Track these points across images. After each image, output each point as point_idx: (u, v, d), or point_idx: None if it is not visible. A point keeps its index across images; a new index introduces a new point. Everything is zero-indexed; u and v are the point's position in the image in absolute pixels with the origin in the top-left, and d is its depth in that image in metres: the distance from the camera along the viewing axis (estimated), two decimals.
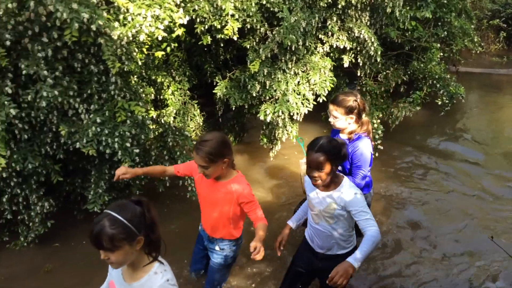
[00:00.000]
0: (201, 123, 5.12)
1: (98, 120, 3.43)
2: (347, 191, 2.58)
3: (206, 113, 5.32)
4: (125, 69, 3.50)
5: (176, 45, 4.32)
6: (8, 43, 3.05)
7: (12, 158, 3.37)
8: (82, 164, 3.95)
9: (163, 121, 4.23)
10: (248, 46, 4.53)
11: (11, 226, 3.95)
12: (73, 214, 4.18)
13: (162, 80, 4.56)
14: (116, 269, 1.99)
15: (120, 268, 1.98)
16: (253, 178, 4.94)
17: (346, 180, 2.63)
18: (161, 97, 4.69)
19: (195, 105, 5.00)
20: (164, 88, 4.66)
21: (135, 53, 3.53)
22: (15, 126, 3.34)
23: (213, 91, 4.86)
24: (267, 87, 4.47)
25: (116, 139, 3.44)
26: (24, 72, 3.13)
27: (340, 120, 3.11)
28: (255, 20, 4.29)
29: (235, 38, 4.28)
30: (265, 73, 4.38)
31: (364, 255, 2.37)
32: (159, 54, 3.97)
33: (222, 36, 4.25)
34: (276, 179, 5.03)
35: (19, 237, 3.83)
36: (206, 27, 4.17)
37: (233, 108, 4.80)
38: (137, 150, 3.54)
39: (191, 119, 4.89)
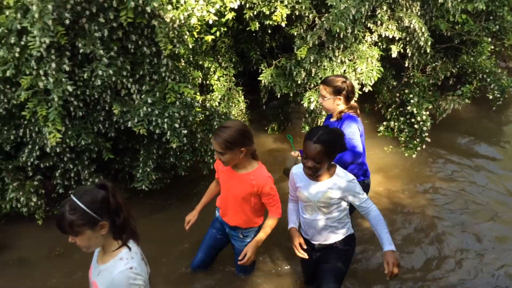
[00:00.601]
0: (244, 110, 5.17)
1: (149, 101, 3.52)
2: (342, 178, 2.60)
3: (249, 101, 5.36)
4: (176, 52, 3.57)
5: (225, 29, 4.36)
6: (67, 22, 3.17)
7: (66, 134, 3.51)
8: (132, 143, 4.07)
9: (208, 105, 4.29)
10: (295, 33, 4.53)
11: (61, 200, 4.11)
12: (120, 192, 4.30)
13: (209, 65, 4.63)
14: (88, 251, 1.96)
15: (97, 249, 2.01)
16: None
17: (338, 168, 2.64)
18: (207, 82, 4.77)
19: (240, 91, 5.04)
20: (211, 73, 4.74)
21: (186, 36, 3.59)
22: (70, 103, 3.47)
23: (258, 79, 4.90)
24: (313, 75, 4.47)
25: (165, 120, 3.53)
26: (81, 51, 3.25)
27: (328, 100, 3.16)
28: (303, 7, 4.29)
29: (283, 24, 4.30)
30: (312, 60, 4.38)
31: (390, 236, 2.57)
32: (209, 38, 4.03)
33: (270, 23, 4.27)
34: None
35: None
36: (255, 13, 4.20)
37: (278, 96, 4.82)
38: (185, 131, 3.62)
39: (235, 106, 4.93)
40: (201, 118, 4.08)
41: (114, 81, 3.44)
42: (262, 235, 2.91)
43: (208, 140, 4.20)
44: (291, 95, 4.80)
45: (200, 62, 4.54)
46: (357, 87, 4.55)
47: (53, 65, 3.21)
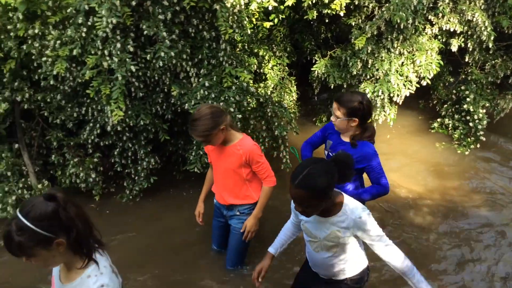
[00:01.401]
0: (295, 100, 5.16)
1: (207, 84, 3.58)
2: (351, 213, 2.12)
3: (299, 92, 5.35)
4: (235, 37, 3.61)
5: (283, 16, 4.36)
6: (133, 3, 3.27)
7: (126, 114, 3.62)
8: (186, 127, 4.15)
9: (263, 92, 4.31)
10: (353, 24, 4.48)
11: (117, 179, 4.26)
12: (172, 174, 4.41)
13: (264, 53, 4.65)
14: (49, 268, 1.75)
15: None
16: None
17: (347, 199, 2.17)
18: (261, 70, 4.79)
19: (292, 81, 5.04)
20: (265, 62, 4.76)
21: (245, 22, 3.63)
22: (131, 84, 3.58)
23: (312, 69, 4.89)
24: (369, 66, 4.41)
25: (221, 103, 3.58)
26: (145, 32, 3.34)
27: (342, 120, 2.76)
28: None
29: (341, 14, 4.26)
30: (369, 51, 4.32)
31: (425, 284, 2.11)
32: (267, 24, 4.06)
33: (329, 12, 4.24)
34: None
35: (124, 190, 4.12)
36: (313, 1, 4.18)
37: (331, 87, 4.79)
38: (240, 116, 3.66)
39: (287, 95, 4.94)
40: (254, 106, 4.11)
41: (174, 64, 3.52)
42: (258, 207, 2.98)
43: (260, 127, 4.23)
44: (345, 86, 4.75)
45: (255, 50, 4.57)
46: (414, 80, 4.46)
47: (118, 45, 3.32)
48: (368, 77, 4.47)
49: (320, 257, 2.30)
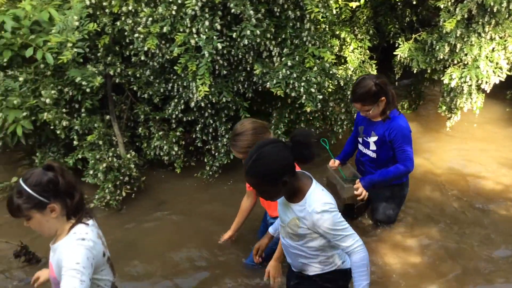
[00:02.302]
0: None
1: (289, 64, 3.61)
2: (309, 206, 1.97)
3: None
4: (320, 17, 3.60)
5: None
6: None
7: (209, 91, 3.74)
8: (265, 106, 4.23)
9: (343, 74, 4.25)
10: (441, 6, 4.28)
11: (197, 154, 4.42)
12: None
13: (345, 36, 4.58)
14: (46, 236, 1.92)
15: None
16: (424, 148, 4.76)
17: (312, 189, 2.01)
18: (341, 53, 4.73)
19: (373, 65, 4.94)
20: (346, 44, 4.69)
21: (331, 1, 3.60)
22: (216, 61, 3.68)
23: (394, 53, 4.76)
24: (457, 50, 4.22)
25: (302, 84, 3.60)
26: (232, 11, 3.42)
27: (373, 110, 2.88)
28: None
29: None
30: (458, 35, 4.12)
31: None
32: (353, 4, 4.00)
33: None
34: (447, 150, 4.75)
35: (204, 166, 4.26)
36: None
37: (414, 72, 4.64)
38: (321, 96, 3.67)
39: None
40: (333, 88, 4.08)
41: (258, 43, 3.58)
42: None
43: (339, 110, 4.21)
44: (429, 71, 4.59)
45: (337, 32, 4.52)
46: (505, 67, 4.21)
47: (206, 23, 3.43)
48: (456, 62, 4.28)
49: (287, 244, 2.19)
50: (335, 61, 4.21)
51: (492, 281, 3.07)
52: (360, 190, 2.90)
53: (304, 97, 3.63)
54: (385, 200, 3.30)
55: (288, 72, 3.61)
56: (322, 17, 3.65)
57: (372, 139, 3.06)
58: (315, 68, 3.66)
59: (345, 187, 3.00)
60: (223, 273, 3.17)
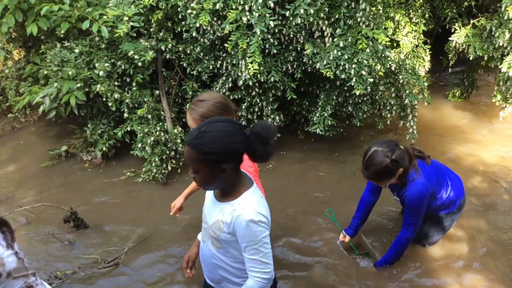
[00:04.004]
0: (427, 71, 4.89)
1: (341, 45, 3.54)
2: (241, 211, 1.65)
3: (432, 64, 5.05)
4: None
5: None
6: None
7: (258, 70, 3.73)
8: (312, 87, 4.18)
9: (396, 58, 4.14)
10: None
11: None
12: (295, 133, 4.49)
13: (400, 18, 4.44)
14: None
15: None
16: (475, 137, 4.60)
17: (250, 192, 1.70)
18: (395, 36, 4.59)
19: (427, 50, 4.77)
20: (400, 27, 4.55)
21: None
22: (267, 40, 3.65)
23: (450, 39, 4.59)
24: None
25: (353, 66, 3.52)
26: None
27: (390, 182, 2.59)
28: None
29: None
30: None
31: None
32: None
33: None
34: (499, 141, 4.57)
35: None
36: None
37: (469, 59, 4.47)
38: (371, 80, 3.58)
39: (419, 64, 4.69)
40: (382, 74, 3.98)
41: (311, 22, 3.52)
42: None
43: (389, 95, 4.11)
44: (485, 58, 4.40)
45: (392, 14, 4.39)
46: None
47: (260, 0, 3.40)
48: None
49: (206, 251, 1.89)
50: (388, 43, 4.08)
51: None
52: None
53: (354, 80, 3.56)
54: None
55: (340, 54, 3.54)
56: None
57: (396, 198, 2.87)
58: (368, 50, 3.58)
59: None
60: None
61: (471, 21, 4.58)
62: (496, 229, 3.35)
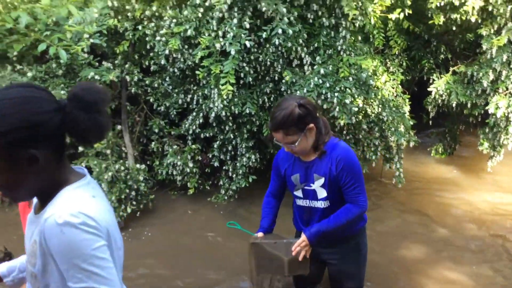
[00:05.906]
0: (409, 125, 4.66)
1: (322, 72, 3.29)
2: (54, 209, 1.04)
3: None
4: (357, 24, 3.34)
5: (410, 11, 3.94)
6: None
7: (232, 102, 3.40)
8: None
9: (379, 95, 3.86)
10: (484, 33, 4.02)
11: (214, 178, 3.99)
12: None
13: (377, 65, 4.29)
14: None
15: None
16: (465, 189, 4.28)
17: (73, 188, 1.10)
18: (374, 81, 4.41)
19: (406, 99, 4.59)
20: (377, 76, 4.39)
21: (369, 9, 3.36)
22: (242, 69, 3.37)
23: (428, 89, 4.46)
24: (503, 78, 3.88)
25: (336, 94, 3.25)
26: (263, 9, 3.18)
27: (300, 141, 1.97)
28: (499, 1, 3.80)
29: (472, 19, 3.86)
30: (503, 60, 3.81)
31: None
32: (395, 13, 3.75)
33: (458, 16, 3.85)
34: (489, 191, 4.25)
35: (219, 190, 3.83)
36: (442, 3, 3.82)
37: (453, 108, 4.30)
38: (356, 109, 3.30)
39: (404, 104, 4.41)
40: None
41: (289, 48, 3.28)
42: None
43: (372, 135, 3.81)
44: (469, 106, 4.22)
45: (369, 60, 4.24)
46: None
47: (235, 21, 3.19)
48: (501, 90, 3.92)
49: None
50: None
51: None
52: (304, 244, 2.04)
53: (337, 109, 3.26)
54: (346, 277, 2.30)
55: (321, 81, 3.27)
56: (359, 25, 3.38)
57: (318, 183, 2.12)
58: (351, 79, 3.33)
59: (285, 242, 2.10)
60: None
61: (451, 69, 4.48)
62: (493, 276, 2.97)
